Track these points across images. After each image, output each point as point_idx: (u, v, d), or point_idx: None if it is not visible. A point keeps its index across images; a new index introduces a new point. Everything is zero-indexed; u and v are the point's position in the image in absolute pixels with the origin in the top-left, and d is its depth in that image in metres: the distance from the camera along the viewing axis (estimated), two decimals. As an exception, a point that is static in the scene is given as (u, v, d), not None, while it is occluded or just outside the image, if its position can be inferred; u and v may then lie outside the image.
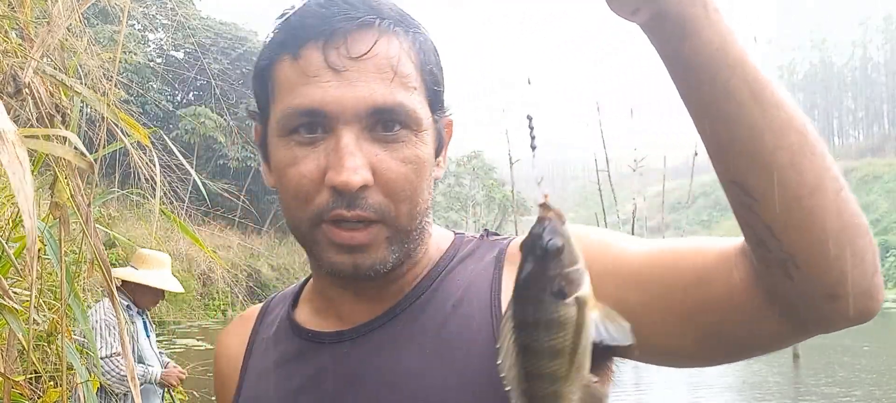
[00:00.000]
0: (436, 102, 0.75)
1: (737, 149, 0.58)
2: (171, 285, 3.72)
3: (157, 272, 3.65)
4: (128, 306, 3.54)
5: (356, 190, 0.68)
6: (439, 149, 0.77)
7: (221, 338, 0.93)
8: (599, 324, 0.58)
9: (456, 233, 0.85)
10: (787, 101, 0.58)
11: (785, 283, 0.59)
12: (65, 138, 1.34)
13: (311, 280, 0.88)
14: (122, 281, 3.55)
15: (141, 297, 3.62)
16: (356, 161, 0.67)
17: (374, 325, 0.77)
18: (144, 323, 3.66)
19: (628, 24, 0.60)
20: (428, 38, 0.76)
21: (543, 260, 0.56)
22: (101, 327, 3.31)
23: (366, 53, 0.69)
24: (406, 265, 0.77)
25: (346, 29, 0.69)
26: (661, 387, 10.74)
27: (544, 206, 0.58)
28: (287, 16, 0.74)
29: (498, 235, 0.84)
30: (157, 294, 3.68)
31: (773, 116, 0.56)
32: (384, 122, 0.69)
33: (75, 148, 1.26)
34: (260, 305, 0.93)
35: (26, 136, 1.21)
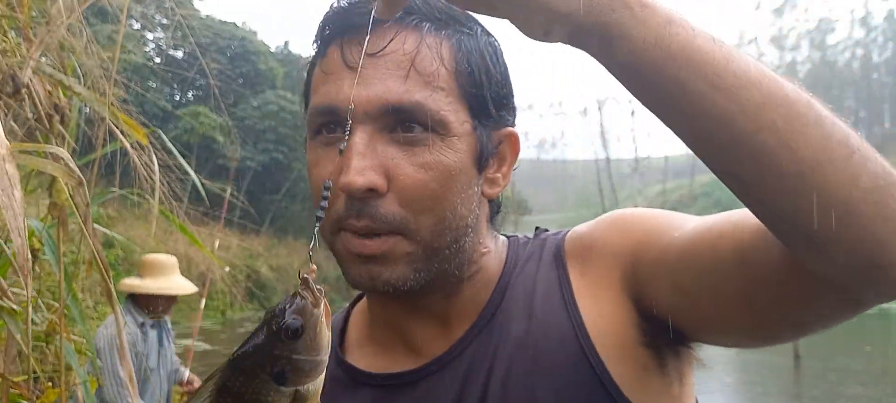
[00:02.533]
0: (479, 108, 0.68)
1: (714, 142, 0.51)
2: (181, 288, 3.53)
3: (165, 278, 3.46)
4: (142, 323, 3.35)
5: (364, 194, 0.63)
6: (483, 160, 0.69)
7: None
8: None
9: (510, 238, 0.79)
10: (763, 77, 0.51)
11: (819, 260, 0.53)
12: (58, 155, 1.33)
13: (360, 309, 0.81)
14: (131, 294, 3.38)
15: (154, 306, 3.41)
16: (363, 162, 0.63)
17: (457, 351, 0.71)
18: (160, 333, 3.47)
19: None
20: (477, 39, 0.70)
21: (274, 337, 0.50)
22: (106, 351, 3.12)
23: (382, 50, 0.65)
24: (453, 282, 0.71)
25: (365, 25, 0.64)
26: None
27: (303, 282, 0.52)
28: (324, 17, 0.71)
29: (547, 231, 0.79)
30: (171, 299, 3.48)
31: (744, 98, 0.49)
32: (403, 124, 0.64)
33: (66, 164, 1.25)
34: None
35: (20, 152, 1.20)
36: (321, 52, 0.69)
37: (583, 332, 0.67)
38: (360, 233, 0.65)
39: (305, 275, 0.52)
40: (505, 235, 0.79)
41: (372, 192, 0.63)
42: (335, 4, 0.69)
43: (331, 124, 0.67)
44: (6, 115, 1.55)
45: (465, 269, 0.71)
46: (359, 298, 0.82)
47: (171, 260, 3.59)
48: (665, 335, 0.67)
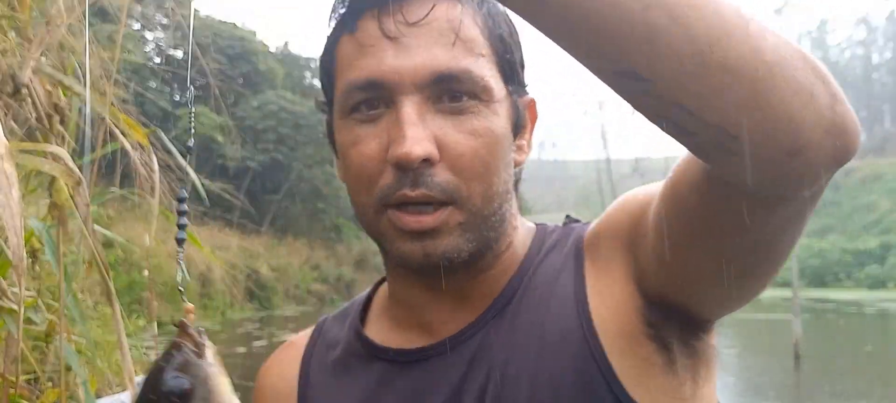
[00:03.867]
0: (509, 74, 0.68)
1: (603, 34, 0.46)
2: None
3: None
4: None
5: (419, 165, 0.61)
6: (517, 128, 0.70)
7: (264, 372, 0.83)
8: None
9: (538, 225, 0.77)
10: None
11: (732, 162, 0.48)
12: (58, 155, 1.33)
13: (384, 288, 0.80)
14: None
15: None
16: (418, 131, 0.61)
17: (468, 334, 0.70)
18: None
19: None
20: (498, 6, 0.68)
21: None
22: None
23: (424, 18, 0.63)
24: (488, 257, 0.70)
25: None
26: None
27: (181, 327, 0.46)
28: None
29: (578, 221, 0.77)
30: None
31: None
32: (450, 93, 0.63)
33: (66, 164, 1.25)
34: (308, 330, 0.84)
35: (20, 151, 1.20)
36: (349, 27, 0.66)
37: (588, 325, 0.66)
38: (415, 207, 0.63)
39: (183, 320, 0.45)
40: (537, 223, 0.78)
41: (426, 162, 0.62)
42: None
43: (372, 100, 0.65)
44: (6, 115, 1.55)
45: (502, 241, 0.71)
46: (383, 280, 0.81)
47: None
48: (669, 324, 0.66)
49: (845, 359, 13.88)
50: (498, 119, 0.65)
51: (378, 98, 0.64)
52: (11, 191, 0.95)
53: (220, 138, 24.58)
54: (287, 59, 34.04)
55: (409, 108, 0.62)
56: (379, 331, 0.76)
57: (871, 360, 14.09)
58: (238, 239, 22.42)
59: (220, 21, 29.98)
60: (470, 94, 0.64)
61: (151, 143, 1.81)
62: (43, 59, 1.65)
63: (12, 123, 1.62)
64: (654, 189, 0.65)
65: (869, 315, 26.34)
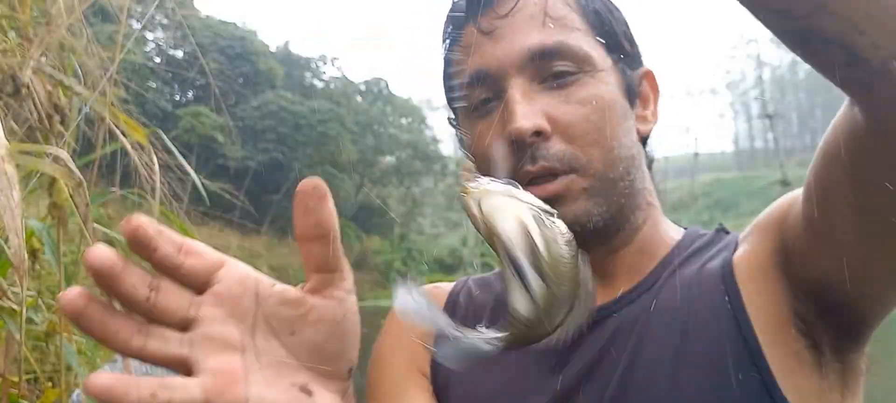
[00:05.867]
0: (614, 45, 0.71)
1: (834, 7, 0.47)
2: None
3: None
4: None
5: (532, 139, 0.65)
6: (632, 96, 0.72)
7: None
8: None
9: (689, 227, 0.79)
10: None
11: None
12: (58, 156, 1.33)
13: None
14: None
15: None
16: (525, 107, 0.65)
17: (611, 309, 0.70)
18: None
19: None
20: None
21: None
22: None
23: (512, 8, 0.68)
24: (627, 230, 0.71)
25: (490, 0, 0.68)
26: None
27: None
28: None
29: (729, 232, 0.77)
30: None
31: None
32: (554, 71, 0.67)
33: (66, 165, 1.25)
34: (446, 284, 0.86)
35: (20, 152, 1.20)
36: (455, 39, 0.72)
37: (740, 308, 0.65)
38: (539, 180, 0.66)
39: None
40: (684, 227, 0.80)
41: (539, 135, 0.66)
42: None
43: (486, 100, 0.69)
44: (6, 115, 1.55)
45: (638, 215, 0.72)
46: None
47: None
48: (822, 323, 0.64)
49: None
50: (606, 86, 0.68)
51: (490, 92, 0.69)
52: (12, 191, 0.95)
53: (220, 138, 24.60)
54: (287, 60, 34.02)
55: (515, 90, 0.66)
56: None
57: (870, 360, 14.07)
58: (238, 239, 22.42)
59: (221, 21, 29.99)
60: (572, 66, 0.67)
61: (151, 143, 1.81)
62: (43, 59, 1.65)
63: (12, 124, 1.62)
64: (800, 191, 0.65)
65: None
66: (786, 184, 14.85)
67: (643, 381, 0.65)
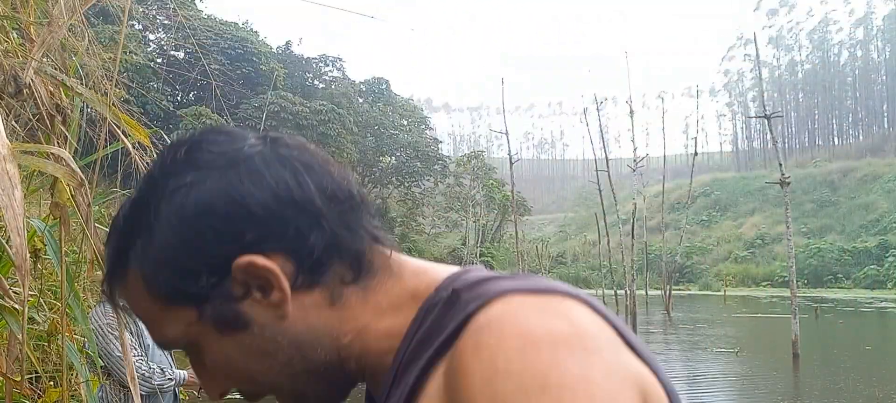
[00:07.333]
0: (194, 294, 0.61)
1: None
2: None
3: None
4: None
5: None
6: (229, 316, 0.61)
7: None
8: None
9: (437, 287, 0.64)
10: None
11: None
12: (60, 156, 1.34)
13: None
14: None
15: None
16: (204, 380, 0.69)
17: None
18: None
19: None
20: (159, 219, 0.60)
21: None
22: (106, 331, 3.22)
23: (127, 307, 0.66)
24: (357, 377, 0.68)
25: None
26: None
27: None
28: None
29: (473, 291, 0.60)
30: None
31: None
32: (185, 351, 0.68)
33: (68, 165, 1.26)
34: None
35: (22, 152, 1.20)
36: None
37: None
38: None
39: None
40: (444, 274, 0.67)
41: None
42: None
43: None
44: (8, 116, 1.56)
45: (349, 363, 0.66)
46: None
47: None
48: None
49: (844, 359, 13.87)
50: (219, 344, 0.64)
51: None
52: (14, 191, 0.96)
53: (220, 138, 24.51)
54: (288, 60, 34.01)
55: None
56: None
57: (869, 360, 14.08)
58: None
59: (222, 22, 29.96)
60: (185, 348, 0.66)
61: (153, 143, 1.81)
62: (45, 59, 1.65)
63: (14, 124, 1.62)
64: None
65: (867, 314, 26.33)
66: (785, 184, 14.84)
67: None
